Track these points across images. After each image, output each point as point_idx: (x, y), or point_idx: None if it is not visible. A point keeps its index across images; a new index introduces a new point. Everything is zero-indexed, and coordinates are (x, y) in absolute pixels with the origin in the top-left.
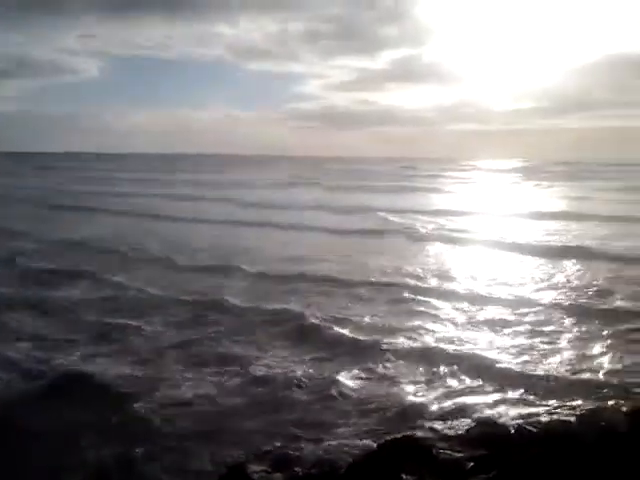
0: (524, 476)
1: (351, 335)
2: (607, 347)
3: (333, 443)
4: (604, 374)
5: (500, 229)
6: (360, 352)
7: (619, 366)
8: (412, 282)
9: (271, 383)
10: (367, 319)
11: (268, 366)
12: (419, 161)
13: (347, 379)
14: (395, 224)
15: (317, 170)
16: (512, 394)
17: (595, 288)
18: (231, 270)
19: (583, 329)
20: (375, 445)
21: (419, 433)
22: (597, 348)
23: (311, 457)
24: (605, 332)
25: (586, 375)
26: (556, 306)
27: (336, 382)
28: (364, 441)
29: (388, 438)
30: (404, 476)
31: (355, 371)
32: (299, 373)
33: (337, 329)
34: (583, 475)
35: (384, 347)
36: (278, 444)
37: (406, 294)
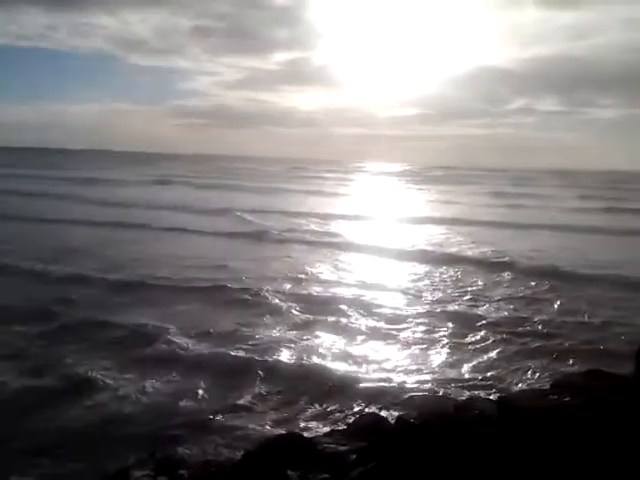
0: (402, 463)
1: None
2: (472, 348)
3: (220, 442)
4: (474, 370)
5: (361, 231)
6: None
7: (485, 363)
8: (235, 285)
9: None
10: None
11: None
12: (309, 162)
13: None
14: (251, 225)
15: (197, 168)
16: (389, 388)
17: (447, 289)
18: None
19: (446, 329)
20: (260, 443)
21: (303, 430)
22: (461, 348)
23: (196, 458)
24: (467, 332)
25: (458, 371)
26: (414, 309)
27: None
28: (250, 439)
29: (273, 436)
30: (289, 472)
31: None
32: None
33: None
34: (459, 459)
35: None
36: (162, 447)
37: (234, 295)
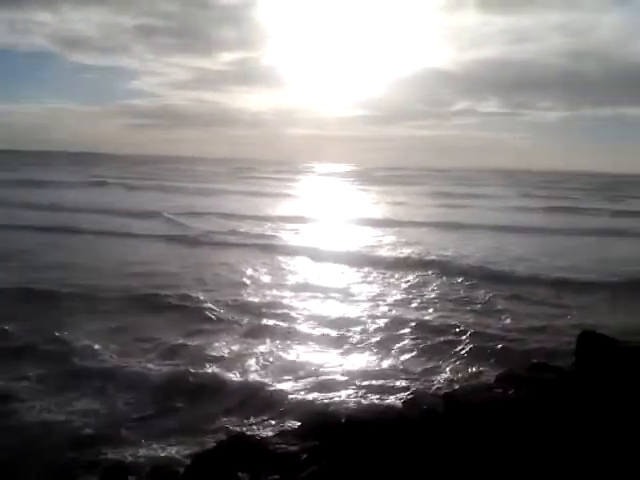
0: (352, 461)
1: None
2: (410, 347)
3: (172, 447)
4: (418, 368)
5: (298, 234)
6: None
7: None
8: (164, 292)
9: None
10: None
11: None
12: (255, 163)
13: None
14: (181, 228)
15: (139, 169)
16: (339, 387)
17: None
18: None
19: (383, 331)
20: (210, 447)
21: (255, 431)
22: (400, 348)
23: (146, 463)
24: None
25: (403, 370)
26: (350, 312)
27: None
28: (200, 442)
29: (224, 438)
30: (240, 474)
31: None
32: None
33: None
34: (409, 451)
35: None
36: (110, 452)
37: (161, 301)
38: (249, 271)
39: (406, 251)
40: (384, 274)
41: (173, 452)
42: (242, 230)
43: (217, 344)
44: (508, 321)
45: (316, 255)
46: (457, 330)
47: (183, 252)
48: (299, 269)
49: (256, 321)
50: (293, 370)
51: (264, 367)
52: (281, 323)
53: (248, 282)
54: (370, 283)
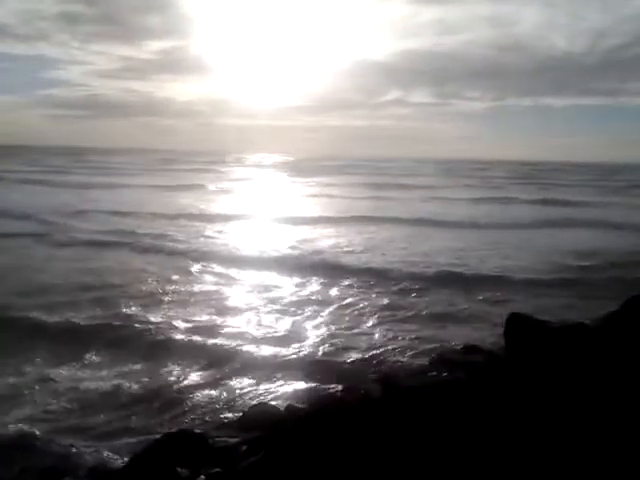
0: (292, 450)
1: None
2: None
3: (110, 445)
4: (359, 354)
5: (181, 230)
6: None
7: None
8: None
9: None
10: None
11: None
12: (185, 154)
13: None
14: (45, 227)
15: (49, 162)
16: (277, 378)
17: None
18: None
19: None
20: (148, 443)
21: (195, 425)
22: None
23: (84, 463)
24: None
25: (339, 358)
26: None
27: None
28: (138, 439)
29: (162, 433)
30: (179, 470)
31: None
32: None
33: None
34: (348, 438)
35: None
36: (46, 454)
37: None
38: (92, 275)
39: (324, 251)
40: (289, 276)
41: (111, 450)
42: (127, 229)
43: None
44: (428, 311)
45: (201, 257)
46: (388, 316)
47: (32, 253)
48: (177, 273)
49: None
50: (231, 363)
51: (199, 361)
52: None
53: (91, 284)
54: (278, 288)
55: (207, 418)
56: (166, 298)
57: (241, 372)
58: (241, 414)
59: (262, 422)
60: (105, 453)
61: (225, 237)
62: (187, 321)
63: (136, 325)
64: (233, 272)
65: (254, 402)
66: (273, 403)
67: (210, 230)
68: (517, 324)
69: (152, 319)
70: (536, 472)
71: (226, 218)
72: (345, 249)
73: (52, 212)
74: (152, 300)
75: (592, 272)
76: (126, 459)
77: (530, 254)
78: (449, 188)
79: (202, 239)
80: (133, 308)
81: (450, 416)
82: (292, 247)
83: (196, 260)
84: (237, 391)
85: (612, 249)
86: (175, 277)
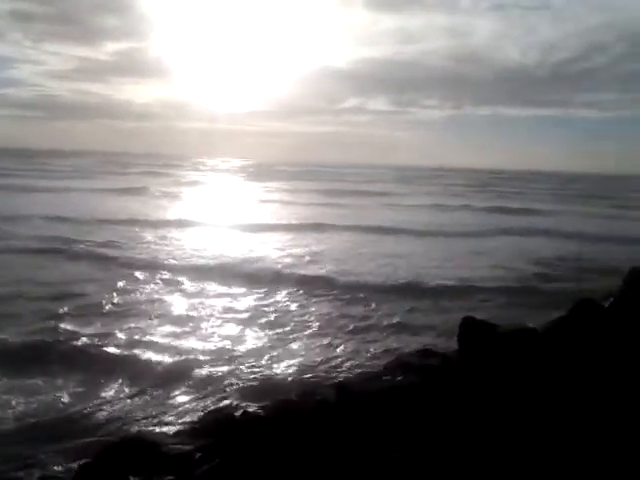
0: (247, 456)
1: None
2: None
3: (54, 455)
4: (315, 360)
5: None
6: None
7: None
8: None
9: None
10: None
11: None
12: (142, 157)
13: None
14: None
15: None
16: (233, 385)
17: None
18: None
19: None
20: (99, 450)
21: (149, 432)
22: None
23: (29, 475)
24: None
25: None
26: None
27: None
28: (90, 447)
29: (115, 440)
30: (131, 478)
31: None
32: None
33: None
34: (303, 443)
35: None
36: None
37: None
38: (24, 285)
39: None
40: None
41: (61, 459)
42: (63, 236)
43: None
44: (383, 320)
45: (142, 266)
46: (342, 325)
47: None
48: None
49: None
50: (185, 372)
51: (154, 369)
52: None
53: (20, 294)
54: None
55: (162, 424)
56: (99, 310)
57: (196, 380)
58: (196, 421)
59: (217, 428)
60: (56, 460)
61: (169, 244)
62: (126, 334)
63: (68, 339)
64: (174, 281)
65: (209, 408)
66: (227, 409)
67: (153, 237)
68: (470, 328)
69: (86, 332)
70: (489, 471)
71: (172, 224)
72: (297, 258)
73: None
74: (83, 312)
75: (544, 280)
76: (76, 466)
77: (487, 262)
78: (407, 195)
79: (144, 246)
80: (64, 322)
81: (405, 419)
82: (239, 255)
83: (136, 269)
84: (192, 397)
85: (565, 257)
86: (111, 286)
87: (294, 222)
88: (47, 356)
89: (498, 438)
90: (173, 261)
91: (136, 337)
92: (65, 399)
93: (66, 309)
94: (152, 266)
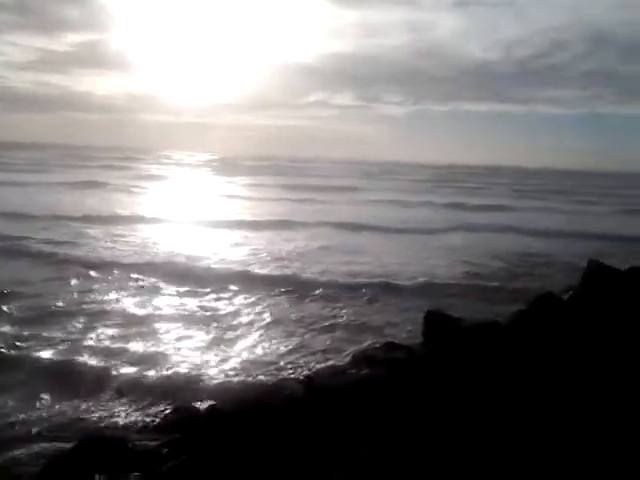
0: (213, 453)
1: None
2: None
3: (22, 451)
4: (282, 355)
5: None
6: None
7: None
8: None
9: None
10: None
11: None
12: (103, 150)
13: None
14: None
15: None
16: (200, 379)
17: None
18: None
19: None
20: (65, 447)
21: (114, 429)
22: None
23: None
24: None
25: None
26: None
27: None
28: (53, 444)
29: (80, 439)
30: (97, 477)
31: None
32: None
33: None
34: (271, 439)
35: None
36: None
37: None
38: None
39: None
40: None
41: (23, 457)
42: (10, 233)
43: None
44: (347, 318)
45: (93, 265)
46: (308, 323)
47: None
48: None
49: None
50: (150, 364)
51: (120, 361)
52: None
53: None
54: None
55: (127, 421)
56: (42, 311)
57: (164, 373)
58: (162, 417)
59: (183, 424)
60: (16, 458)
61: (123, 242)
62: (71, 335)
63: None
64: (127, 282)
65: (176, 404)
66: (194, 405)
67: (108, 233)
68: (434, 321)
69: (26, 334)
70: (453, 463)
71: (130, 220)
72: (260, 255)
73: None
74: (30, 315)
75: (508, 276)
76: (40, 465)
77: (451, 258)
78: (372, 191)
79: (97, 244)
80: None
81: (372, 411)
82: (198, 253)
83: (86, 267)
84: (159, 392)
85: (528, 253)
86: (55, 286)
87: (258, 219)
88: None
89: (463, 429)
90: (125, 259)
91: (88, 339)
92: (10, 403)
93: (6, 309)
94: (103, 265)
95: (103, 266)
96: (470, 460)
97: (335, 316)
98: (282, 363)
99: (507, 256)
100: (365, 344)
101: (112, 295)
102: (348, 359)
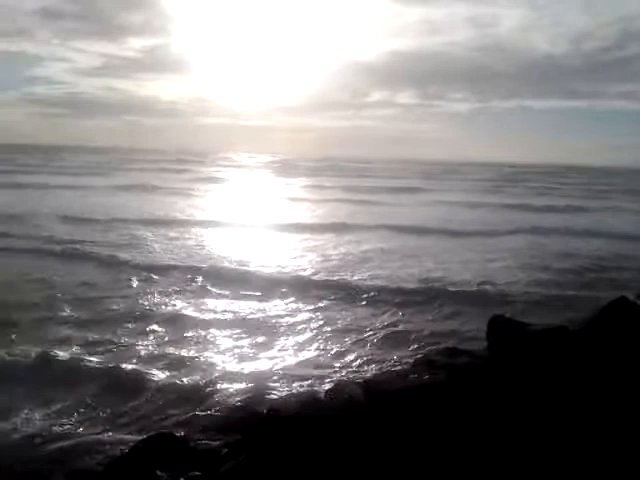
0: (272, 453)
1: None
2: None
3: (89, 449)
4: (344, 358)
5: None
6: None
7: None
8: None
9: None
10: None
11: None
12: (167, 153)
13: None
14: None
15: (8, 161)
16: (261, 380)
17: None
18: None
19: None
20: (128, 448)
21: (177, 428)
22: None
23: (60, 469)
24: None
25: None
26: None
27: None
28: (119, 442)
29: (143, 437)
30: (159, 473)
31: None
32: None
33: None
34: (331, 442)
35: None
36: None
37: None
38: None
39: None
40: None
41: (90, 454)
42: (57, 236)
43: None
44: (408, 325)
45: (148, 268)
46: (371, 325)
47: None
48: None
49: None
50: (209, 368)
51: (181, 363)
52: None
53: None
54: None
55: (190, 420)
56: (103, 316)
57: (224, 374)
58: (224, 417)
59: (244, 425)
60: (85, 455)
61: (181, 245)
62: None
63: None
64: (185, 286)
65: (237, 404)
66: (255, 405)
67: (164, 237)
68: (499, 326)
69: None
70: (520, 473)
71: (187, 224)
72: (317, 260)
73: None
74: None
75: (580, 281)
76: (105, 462)
77: (513, 262)
78: (432, 192)
79: (157, 247)
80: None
81: (433, 418)
82: (254, 257)
83: (145, 271)
84: (220, 393)
85: (595, 256)
86: (113, 290)
87: (317, 221)
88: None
89: (532, 439)
90: (182, 262)
91: (144, 344)
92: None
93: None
94: (161, 268)
95: (161, 269)
96: (532, 470)
97: (392, 321)
98: (338, 366)
99: (577, 260)
100: (426, 349)
101: (170, 299)
102: (408, 364)
